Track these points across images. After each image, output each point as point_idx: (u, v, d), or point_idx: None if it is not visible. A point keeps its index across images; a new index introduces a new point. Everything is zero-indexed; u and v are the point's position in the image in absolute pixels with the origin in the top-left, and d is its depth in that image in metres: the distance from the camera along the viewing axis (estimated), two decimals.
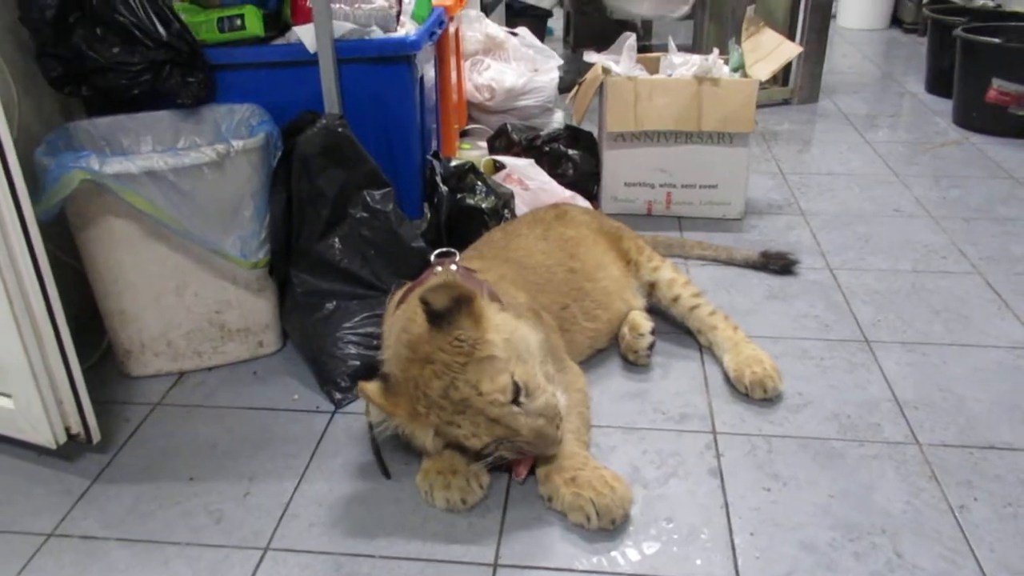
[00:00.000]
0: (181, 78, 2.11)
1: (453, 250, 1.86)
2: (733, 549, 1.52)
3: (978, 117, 3.91)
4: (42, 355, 1.65)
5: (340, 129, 2.05)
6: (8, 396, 1.71)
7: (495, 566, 1.49)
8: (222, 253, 1.97)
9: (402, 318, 1.65)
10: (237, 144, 1.93)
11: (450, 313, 1.50)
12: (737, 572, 1.47)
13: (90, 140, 2.11)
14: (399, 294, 1.80)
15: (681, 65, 2.96)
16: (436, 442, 1.60)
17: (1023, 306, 2.33)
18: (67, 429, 1.74)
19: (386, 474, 1.71)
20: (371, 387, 1.53)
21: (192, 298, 2.04)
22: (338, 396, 1.98)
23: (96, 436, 1.78)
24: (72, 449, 1.79)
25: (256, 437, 1.87)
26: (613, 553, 1.51)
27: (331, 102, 2.21)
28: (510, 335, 1.56)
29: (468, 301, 1.53)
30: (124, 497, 1.69)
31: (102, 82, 2.07)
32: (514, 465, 1.63)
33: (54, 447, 1.72)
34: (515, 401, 1.50)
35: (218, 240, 1.95)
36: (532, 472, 1.64)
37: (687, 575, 1.46)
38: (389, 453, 1.77)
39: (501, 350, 1.52)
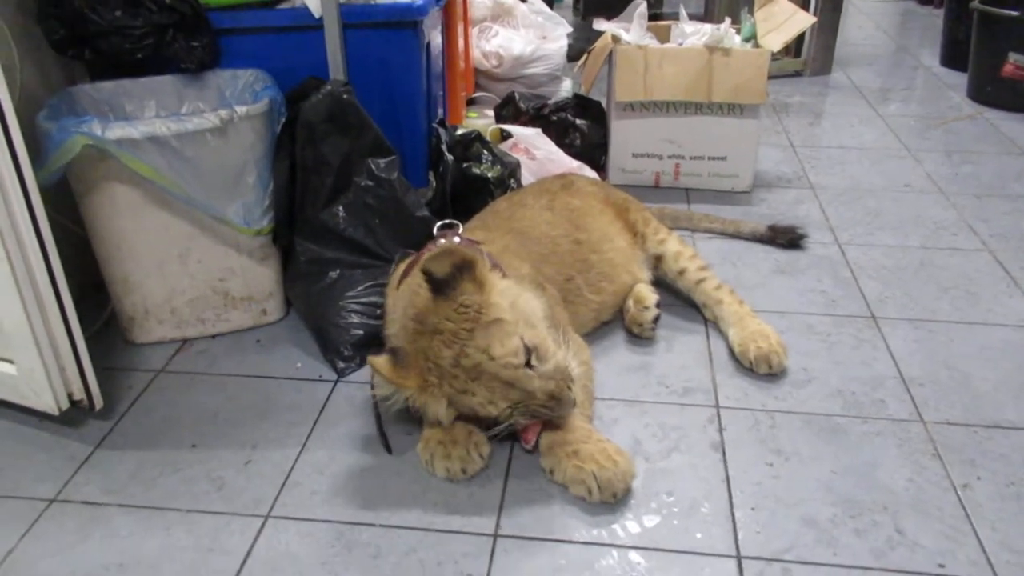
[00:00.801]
0: (185, 42, 2.09)
1: (456, 222, 1.85)
2: (734, 523, 1.52)
3: (993, 92, 3.85)
4: (44, 321, 1.65)
5: (345, 96, 2.03)
6: (10, 362, 1.71)
7: (495, 536, 1.49)
8: (225, 220, 1.96)
9: (406, 292, 1.64)
10: (241, 110, 1.90)
11: (452, 280, 1.49)
12: (737, 546, 1.47)
13: (93, 105, 2.09)
14: (402, 267, 1.79)
15: (692, 34, 2.92)
16: (449, 413, 1.59)
17: None
18: (69, 395, 1.74)
19: (388, 449, 1.71)
20: (381, 361, 1.52)
21: (195, 265, 2.04)
22: (341, 365, 1.98)
23: (99, 402, 1.78)
24: (75, 415, 1.79)
25: (259, 405, 1.87)
26: (613, 525, 1.51)
27: (336, 68, 2.19)
28: (515, 300, 1.56)
29: (469, 266, 1.51)
30: (126, 463, 1.70)
31: (105, 46, 2.04)
32: (522, 432, 1.63)
33: (56, 413, 1.73)
34: (527, 364, 1.49)
35: (221, 207, 1.94)
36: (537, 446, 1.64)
37: (687, 548, 1.47)
38: (390, 424, 1.77)
39: (508, 313, 1.52)
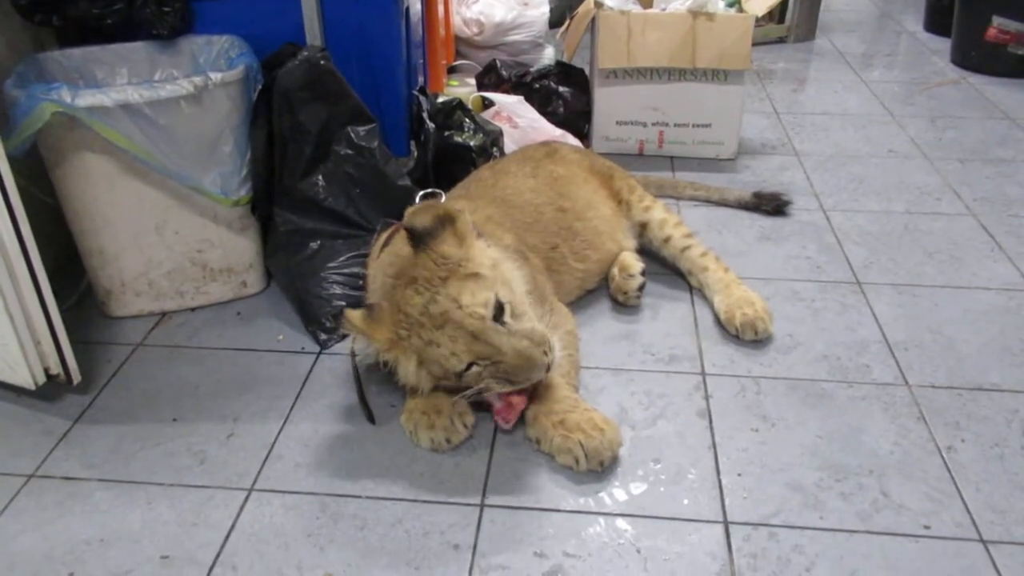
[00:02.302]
0: (156, 7, 2.03)
1: (439, 191, 1.82)
2: (720, 489, 1.51)
3: (977, 56, 3.84)
4: (17, 295, 1.61)
5: (323, 62, 1.98)
6: None
7: (481, 506, 1.48)
8: (202, 190, 1.91)
9: (387, 259, 1.62)
10: (215, 77, 1.86)
11: (434, 232, 1.47)
12: (724, 512, 1.47)
13: (62, 72, 2.03)
14: (383, 236, 1.76)
15: None
16: (420, 374, 1.54)
17: (1016, 248, 2.31)
18: (46, 370, 1.71)
19: (370, 419, 1.69)
20: (355, 313, 1.50)
21: (172, 236, 2.00)
22: (323, 337, 1.95)
23: (76, 377, 1.75)
24: (52, 390, 1.76)
25: (240, 378, 1.84)
26: (600, 494, 1.51)
27: (313, 34, 2.13)
28: (496, 262, 1.54)
29: (451, 220, 1.50)
30: (106, 438, 1.67)
31: (73, 11, 1.98)
32: (498, 412, 1.59)
33: (33, 388, 1.69)
34: (498, 320, 1.46)
35: (197, 177, 1.90)
36: (522, 419, 1.62)
37: (674, 515, 1.46)
38: (374, 397, 1.76)
39: (487, 271, 1.49)
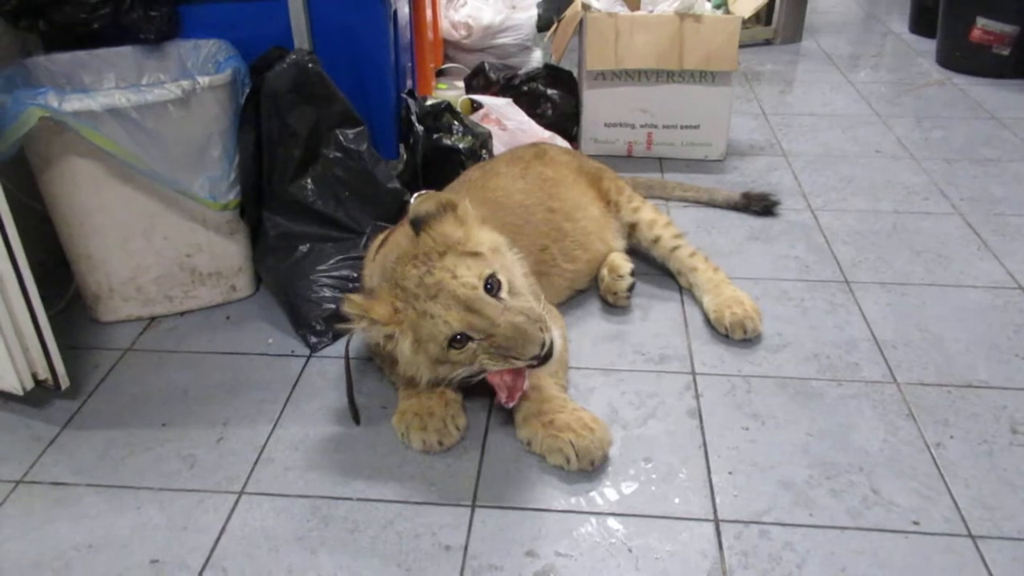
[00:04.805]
0: (143, 11, 2.02)
1: (430, 192, 1.82)
2: (711, 488, 1.52)
3: (961, 57, 3.87)
4: (5, 300, 1.60)
5: (310, 65, 1.98)
6: None
7: (473, 507, 1.48)
8: (190, 194, 1.91)
9: (387, 251, 1.64)
10: (203, 81, 1.85)
11: (435, 215, 1.51)
12: (715, 511, 1.47)
13: (49, 77, 2.03)
14: (379, 238, 1.76)
15: (663, 1, 2.89)
16: (418, 357, 1.51)
17: (1002, 247, 2.33)
18: (34, 375, 1.70)
19: (356, 419, 1.69)
20: (353, 295, 1.52)
21: (161, 241, 1.99)
22: (313, 340, 1.95)
23: (64, 382, 1.74)
24: (40, 395, 1.75)
25: (230, 382, 1.84)
26: (591, 493, 1.51)
27: (300, 37, 2.14)
28: (497, 245, 1.56)
29: (452, 206, 1.53)
30: (95, 443, 1.66)
31: (60, 16, 1.97)
32: (502, 390, 1.55)
33: (21, 393, 1.68)
34: (495, 295, 1.46)
35: (185, 181, 1.89)
36: (513, 419, 1.62)
37: (665, 514, 1.46)
38: (365, 398, 1.75)
39: (487, 251, 1.51)
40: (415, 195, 1.82)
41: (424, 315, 1.46)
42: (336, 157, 2.03)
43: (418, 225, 1.51)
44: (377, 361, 1.82)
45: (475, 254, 1.49)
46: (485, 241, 1.54)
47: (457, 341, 1.45)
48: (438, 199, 1.53)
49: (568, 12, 2.96)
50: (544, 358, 1.46)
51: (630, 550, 1.39)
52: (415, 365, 1.54)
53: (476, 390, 1.67)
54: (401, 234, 1.59)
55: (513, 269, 1.56)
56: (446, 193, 1.60)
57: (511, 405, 1.59)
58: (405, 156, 2.37)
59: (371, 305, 1.49)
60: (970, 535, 1.41)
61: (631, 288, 2.05)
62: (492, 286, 1.46)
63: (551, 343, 1.46)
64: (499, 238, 1.60)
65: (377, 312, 1.49)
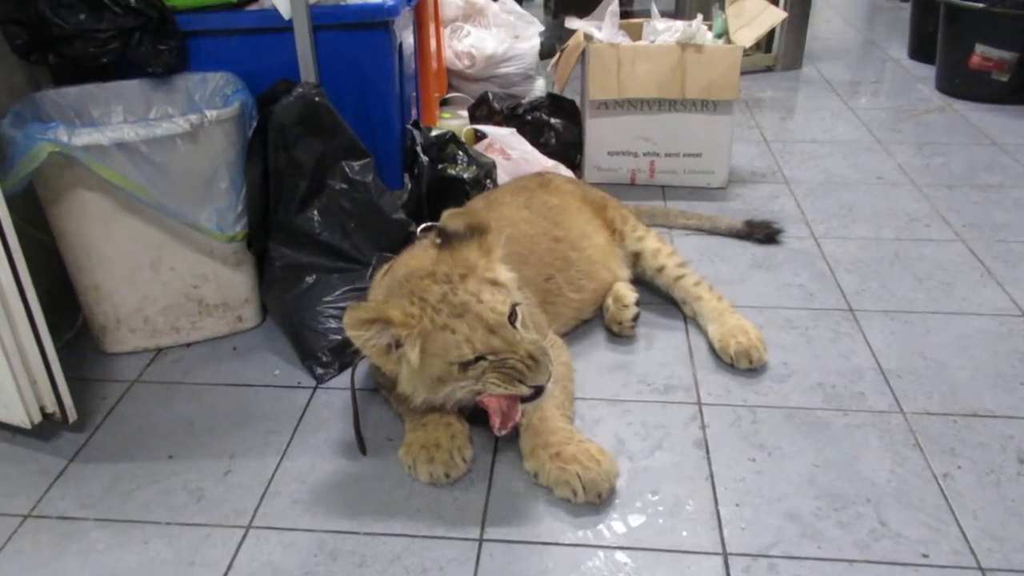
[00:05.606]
0: (152, 45, 2.05)
1: (438, 224, 1.83)
2: (719, 520, 1.51)
3: (961, 83, 3.90)
4: (13, 333, 1.61)
5: (317, 98, 2.00)
6: None
7: (480, 541, 1.48)
8: (197, 226, 1.92)
9: (395, 269, 1.68)
10: (211, 114, 1.87)
11: (462, 237, 1.53)
12: (723, 543, 1.47)
13: (58, 111, 2.05)
14: (384, 267, 1.78)
15: (664, 31, 2.92)
16: (420, 374, 1.50)
17: (1006, 273, 2.33)
18: (42, 408, 1.70)
19: (363, 449, 1.69)
20: (361, 303, 1.54)
21: (168, 273, 2.00)
22: (320, 371, 1.95)
23: (72, 415, 1.74)
24: (48, 428, 1.75)
25: (236, 414, 1.84)
26: (599, 526, 1.51)
27: (307, 70, 2.16)
28: (514, 279, 1.59)
29: (482, 232, 1.56)
30: (102, 476, 1.66)
31: (69, 50, 2.00)
32: (496, 416, 1.54)
33: (29, 427, 1.69)
34: (512, 323, 1.49)
35: (193, 213, 1.91)
36: (518, 447, 1.62)
37: (673, 547, 1.46)
38: (371, 430, 1.75)
39: (506, 281, 1.55)
40: (420, 227, 1.84)
41: (444, 329, 1.47)
42: (342, 188, 2.04)
43: (444, 240, 1.54)
44: (384, 393, 1.82)
45: (496, 282, 1.53)
46: (505, 272, 1.57)
47: (472, 361, 1.48)
48: (469, 220, 1.56)
49: (571, 42, 2.99)
50: (541, 390, 1.50)
51: None
52: (415, 382, 1.54)
53: (481, 419, 1.67)
54: (408, 255, 1.62)
55: (526, 302, 1.60)
56: (480, 214, 1.63)
57: (503, 433, 1.58)
58: (410, 186, 2.38)
59: (384, 308, 1.50)
60: (979, 567, 1.40)
61: (636, 318, 2.06)
62: (513, 316, 1.50)
63: (549, 378, 1.50)
64: (513, 275, 1.62)
65: (390, 313, 1.49)
